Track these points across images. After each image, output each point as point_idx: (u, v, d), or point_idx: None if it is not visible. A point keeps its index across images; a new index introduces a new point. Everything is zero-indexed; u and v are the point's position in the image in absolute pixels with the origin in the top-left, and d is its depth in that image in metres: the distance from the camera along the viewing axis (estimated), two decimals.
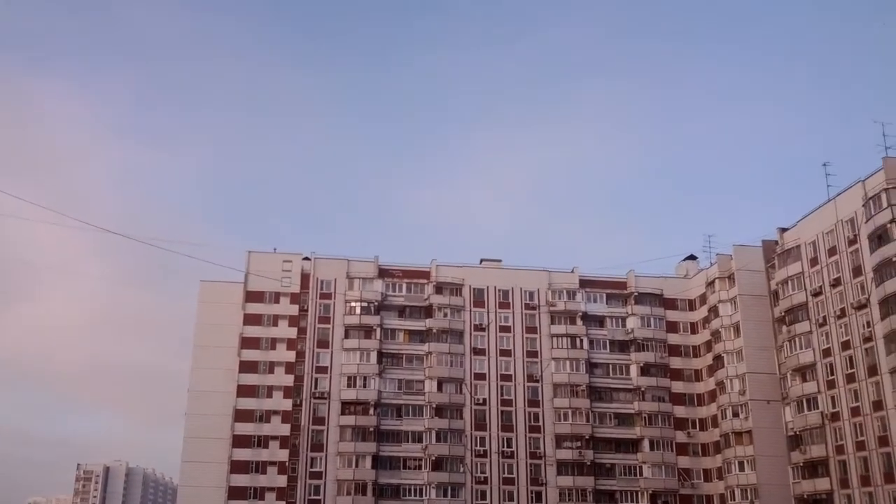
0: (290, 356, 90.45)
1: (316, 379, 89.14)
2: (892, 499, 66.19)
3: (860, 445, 70.08)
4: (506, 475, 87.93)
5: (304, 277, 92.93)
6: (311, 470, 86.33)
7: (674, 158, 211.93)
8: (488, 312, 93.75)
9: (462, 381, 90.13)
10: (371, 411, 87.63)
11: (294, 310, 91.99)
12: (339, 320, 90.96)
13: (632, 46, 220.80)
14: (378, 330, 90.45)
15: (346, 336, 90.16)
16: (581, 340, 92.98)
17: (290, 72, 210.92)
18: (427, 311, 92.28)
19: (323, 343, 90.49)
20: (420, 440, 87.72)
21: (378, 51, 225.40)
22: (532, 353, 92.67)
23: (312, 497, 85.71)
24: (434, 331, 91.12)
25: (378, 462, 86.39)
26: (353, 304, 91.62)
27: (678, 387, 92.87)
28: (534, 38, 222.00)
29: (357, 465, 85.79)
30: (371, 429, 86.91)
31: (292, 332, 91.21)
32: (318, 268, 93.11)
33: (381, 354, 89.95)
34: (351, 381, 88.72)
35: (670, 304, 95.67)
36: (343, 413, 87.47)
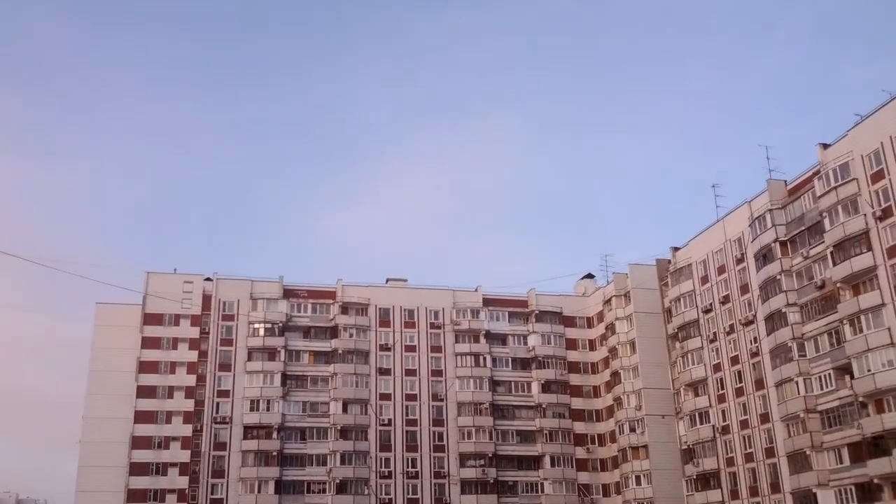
0: (191, 380, 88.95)
1: (217, 403, 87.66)
2: None
3: (748, 457, 73.14)
4: (410, 496, 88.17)
5: (206, 299, 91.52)
6: (213, 497, 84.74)
7: (573, 180, 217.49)
8: (394, 332, 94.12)
9: (367, 401, 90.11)
10: (274, 435, 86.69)
11: (195, 332, 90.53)
12: (242, 342, 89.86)
13: (531, 72, 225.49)
14: (282, 352, 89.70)
15: (250, 358, 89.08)
16: (484, 359, 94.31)
17: (192, 91, 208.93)
18: (333, 332, 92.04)
19: (225, 366, 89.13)
20: (324, 463, 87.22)
21: (286, 72, 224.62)
22: (437, 373, 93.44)
23: None
24: (339, 351, 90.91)
25: (281, 487, 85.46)
26: (256, 325, 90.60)
27: (578, 403, 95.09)
28: (440, 64, 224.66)
29: (259, 491, 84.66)
30: (274, 453, 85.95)
31: (193, 356, 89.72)
32: (220, 288, 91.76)
33: (285, 377, 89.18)
34: (254, 405, 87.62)
35: (570, 321, 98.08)
36: (245, 438, 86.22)
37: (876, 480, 58.03)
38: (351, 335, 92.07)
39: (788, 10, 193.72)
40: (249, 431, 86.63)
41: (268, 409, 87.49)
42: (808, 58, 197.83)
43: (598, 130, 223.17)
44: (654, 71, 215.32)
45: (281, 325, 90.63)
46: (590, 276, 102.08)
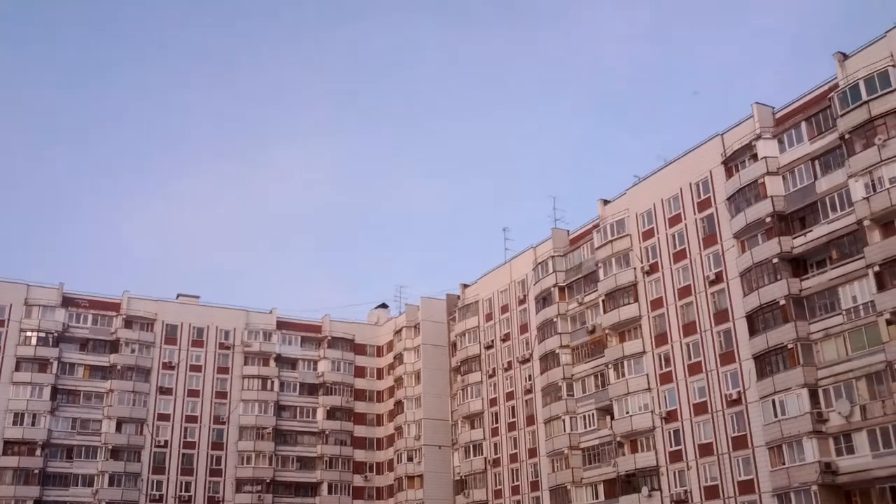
0: None
1: None
2: None
3: (515, 490, 76.79)
4: None
5: None
6: None
7: (377, 213, 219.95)
8: (180, 350, 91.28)
9: (144, 421, 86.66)
10: (38, 452, 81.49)
11: None
12: (12, 350, 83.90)
13: (341, 106, 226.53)
14: (55, 363, 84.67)
15: (18, 368, 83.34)
16: (272, 382, 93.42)
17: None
18: (113, 346, 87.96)
19: None
20: (91, 484, 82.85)
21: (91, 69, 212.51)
22: (221, 395, 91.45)
23: None
24: (118, 367, 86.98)
25: None
26: (28, 333, 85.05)
27: (361, 431, 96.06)
28: (258, 87, 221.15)
29: None
30: (36, 471, 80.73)
31: None
32: None
33: (55, 390, 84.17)
34: (17, 419, 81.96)
35: (361, 349, 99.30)
36: (5, 453, 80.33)
37: None
38: (133, 350, 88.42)
39: (575, 84, 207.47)
40: (10, 447, 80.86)
41: (33, 424, 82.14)
42: (593, 125, 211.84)
43: (402, 168, 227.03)
44: (457, 120, 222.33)
45: (56, 334, 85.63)
46: (384, 305, 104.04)
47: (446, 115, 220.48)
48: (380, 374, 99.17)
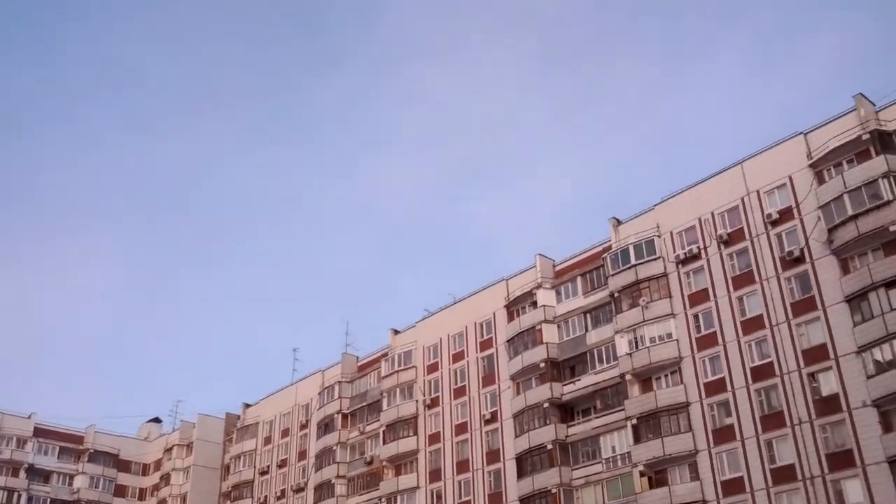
0: None
1: None
2: None
3: None
4: None
5: None
6: None
7: (163, 322, 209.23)
8: None
9: None
10: None
11: None
12: None
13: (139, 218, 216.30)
14: None
15: None
16: (20, 496, 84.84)
17: None
18: None
19: None
20: None
21: None
22: None
23: None
24: None
25: None
26: None
27: None
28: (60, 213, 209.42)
29: None
30: None
31: None
32: None
33: None
34: None
35: (125, 465, 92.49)
36: None
37: None
38: None
39: (373, 223, 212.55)
40: None
41: None
42: (391, 259, 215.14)
43: (195, 281, 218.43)
44: (254, 237, 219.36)
45: None
46: (157, 420, 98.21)
47: (243, 233, 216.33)
48: (142, 495, 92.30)
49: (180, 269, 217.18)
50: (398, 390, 68.27)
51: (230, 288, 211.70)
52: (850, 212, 43.66)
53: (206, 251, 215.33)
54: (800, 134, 48.51)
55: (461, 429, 62.56)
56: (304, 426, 78.28)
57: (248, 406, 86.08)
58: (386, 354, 71.54)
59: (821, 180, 46.61)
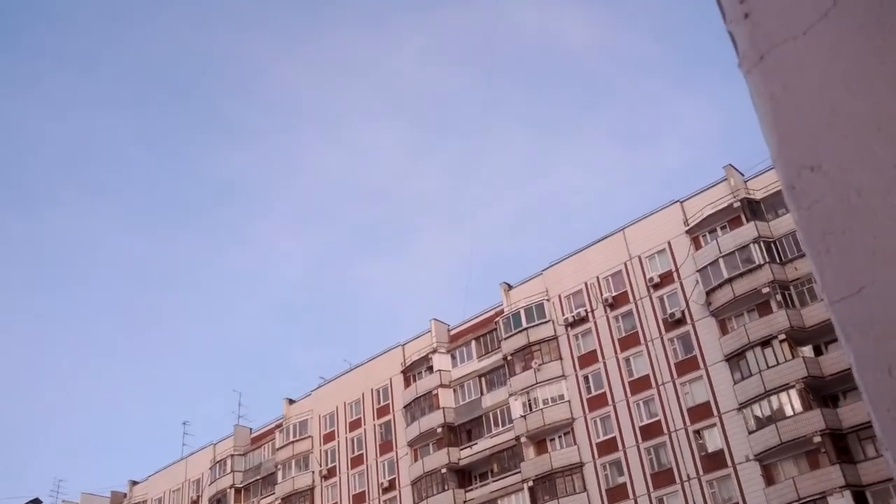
0: None
1: None
2: None
3: None
4: None
5: None
6: None
7: (44, 396, 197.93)
8: None
9: None
10: None
11: None
12: None
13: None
14: None
15: None
16: None
17: None
18: None
19: None
20: None
21: None
22: None
23: None
24: None
25: None
26: None
27: None
28: None
29: None
30: None
31: None
32: None
33: None
34: None
35: None
36: None
37: None
38: None
39: (262, 292, 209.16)
40: None
41: None
42: (283, 328, 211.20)
43: (75, 354, 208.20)
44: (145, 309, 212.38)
45: None
46: (37, 501, 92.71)
47: (126, 305, 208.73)
48: None
49: (64, 343, 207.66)
50: (293, 461, 67.04)
51: (114, 362, 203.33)
52: (726, 275, 46.31)
53: (93, 327, 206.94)
54: (676, 202, 51.40)
55: (359, 498, 61.82)
56: (195, 502, 75.64)
57: (134, 483, 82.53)
58: (280, 425, 70.25)
59: (697, 245, 49.35)
